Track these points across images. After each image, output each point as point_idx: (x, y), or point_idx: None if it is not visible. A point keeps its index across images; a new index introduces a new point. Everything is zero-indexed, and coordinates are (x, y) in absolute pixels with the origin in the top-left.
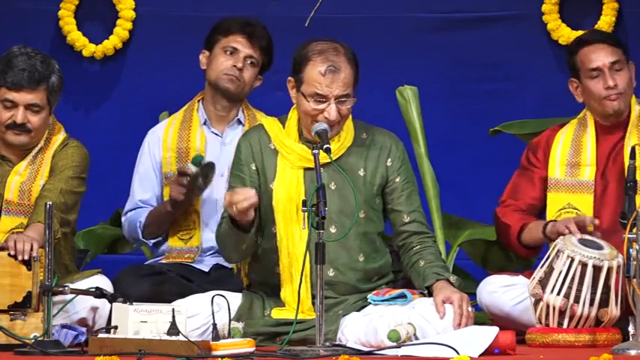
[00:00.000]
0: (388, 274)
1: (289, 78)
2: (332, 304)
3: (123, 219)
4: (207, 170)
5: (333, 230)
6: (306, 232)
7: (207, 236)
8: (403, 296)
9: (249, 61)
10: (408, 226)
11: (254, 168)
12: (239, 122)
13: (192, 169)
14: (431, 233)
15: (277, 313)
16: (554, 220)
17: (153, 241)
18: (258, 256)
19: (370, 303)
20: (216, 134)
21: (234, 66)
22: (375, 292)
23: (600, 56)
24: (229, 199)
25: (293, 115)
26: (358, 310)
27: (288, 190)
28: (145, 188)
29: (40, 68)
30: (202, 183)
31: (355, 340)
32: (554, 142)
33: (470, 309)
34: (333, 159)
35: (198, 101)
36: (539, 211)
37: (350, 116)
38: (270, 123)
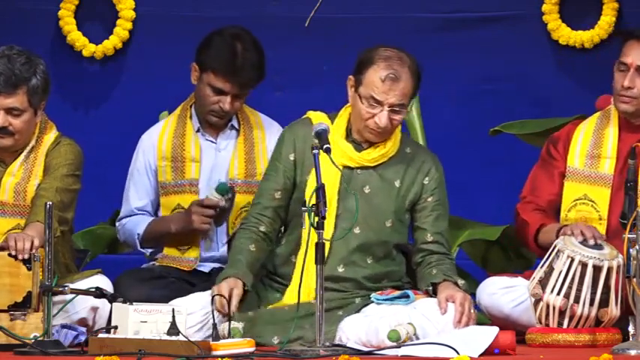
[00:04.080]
0: (399, 281)
1: (350, 77)
2: (333, 299)
3: (117, 224)
4: (232, 198)
5: (357, 231)
6: (332, 227)
7: (206, 245)
8: (406, 296)
9: (236, 97)
10: (429, 245)
11: (292, 159)
12: (232, 127)
13: (219, 198)
14: (452, 256)
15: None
16: (567, 225)
17: (150, 250)
18: (279, 245)
19: (373, 302)
20: (210, 141)
21: (220, 106)
22: (379, 292)
23: (633, 54)
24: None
25: (344, 114)
26: (358, 311)
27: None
28: (141, 195)
29: (19, 72)
30: (228, 210)
31: (356, 340)
32: (574, 134)
33: (472, 310)
34: (375, 164)
35: (191, 106)
36: (559, 207)
37: (399, 128)
38: (318, 117)
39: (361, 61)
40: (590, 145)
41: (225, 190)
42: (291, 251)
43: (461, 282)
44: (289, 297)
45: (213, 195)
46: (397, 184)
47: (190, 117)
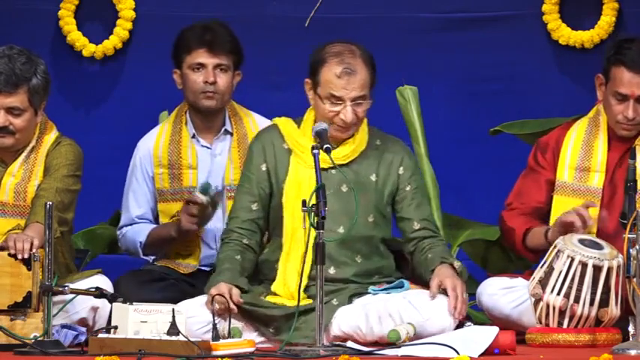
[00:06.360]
0: (390, 276)
1: (306, 80)
2: (328, 291)
3: (118, 233)
4: (216, 197)
5: (341, 230)
6: (311, 231)
7: (207, 253)
8: (401, 285)
9: (219, 69)
10: (418, 233)
11: (264, 169)
12: (227, 132)
13: (202, 198)
14: (442, 237)
15: (271, 299)
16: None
17: (153, 258)
18: (263, 253)
19: (369, 293)
20: (206, 147)
21: (207, 82)
22: (377, 285)
23: (633, 86)
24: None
25: (309, 116)
26: (350, 301)
27: (299, 188)
28: (140, 203)
29: (19, 71)
30: (212, 210)
31: (348, 329)
32: (564, 143)
33: (465, 295)
34: (347, 161)
35: (185, 112)
36: (545, 215)
37: (366, 121)
38: (284, 123)
39: (314, 62)
40: (580, 158)
41: (206, 189)
42: (275, 259)
43: (457, 264)
44: (279, 291)
45: (196, 194)
46: (373, 177)
47: (185, 123)
